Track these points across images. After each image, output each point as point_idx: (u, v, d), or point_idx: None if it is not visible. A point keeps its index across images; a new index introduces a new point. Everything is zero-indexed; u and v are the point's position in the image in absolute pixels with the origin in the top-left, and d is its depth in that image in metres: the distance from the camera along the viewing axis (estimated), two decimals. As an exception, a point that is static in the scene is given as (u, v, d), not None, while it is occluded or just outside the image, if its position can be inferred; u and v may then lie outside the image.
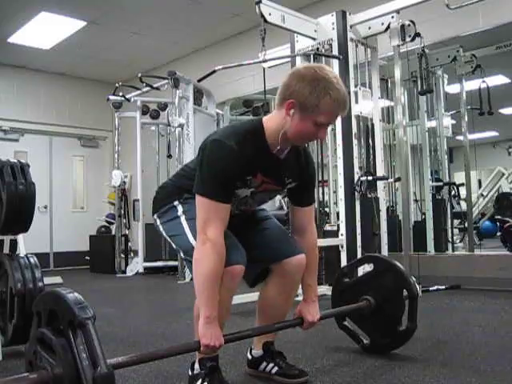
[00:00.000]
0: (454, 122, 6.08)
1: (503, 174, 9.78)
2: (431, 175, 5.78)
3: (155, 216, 2.02)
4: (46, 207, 8.44)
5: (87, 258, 7.99)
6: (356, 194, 4.20)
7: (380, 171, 4.41)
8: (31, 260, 2.58)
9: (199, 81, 4.62)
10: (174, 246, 1.96)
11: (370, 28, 4.36)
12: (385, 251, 4.31)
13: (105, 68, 8.37)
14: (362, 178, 4.20)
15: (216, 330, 1.68)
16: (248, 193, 1.85)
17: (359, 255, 4.04)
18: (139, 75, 6.37)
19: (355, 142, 4.27)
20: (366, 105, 4.37)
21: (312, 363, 2.27)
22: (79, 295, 1.37)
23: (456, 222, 6.21)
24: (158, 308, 4.34)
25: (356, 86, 4.34)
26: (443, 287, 4.41)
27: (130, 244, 7.65)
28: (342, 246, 4.14)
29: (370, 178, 4.22)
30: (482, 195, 9.36)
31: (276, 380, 2.03)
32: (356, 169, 4.26)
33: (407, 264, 4.09)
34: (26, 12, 6.17)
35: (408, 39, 4.17)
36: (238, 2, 5.98)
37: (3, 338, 2.51)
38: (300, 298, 2.06)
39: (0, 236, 2.81)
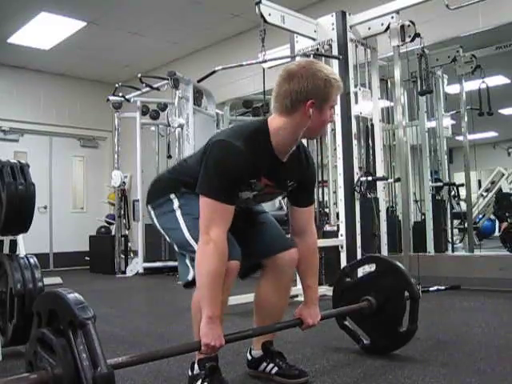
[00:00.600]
0: (453, 122, 6.08)
1: (503, 175, 9.78)
2: (431, 175, 5.78)
3: (149, 207, 2.01)
4: (45, 207, 8.44)
5: (87, 258, 7.98)
6: (356, 194, 4.20)
7: (380, 172, 4.42)
8: (31, 260, 2.58)
9: (199, 81, 4.62)
10: (167, 238, 1.96)
11: (369, 28, 4.36)
12: (384, 252, 4.31)
13: (105, 68, 8.38)
14: (361, 179, 4.21)
15: (218, 329, 1.68)
16: (250, 195, 1.85)
17: (359, 256, 4.04)
18: (139, 75, 6.36)
19: (355, 142, 4.27)
20: (366, 105, 4.37)
21: (312, 363, 2.27)
22: (79, 295, 1.37)
23: (456, 222, 6.21)
24: (157, 308, 4.34)
25: (356, 86, 4.34)
26: (443, 287, 4.41)
27: (129, 244, 7.66)
28: (342, 247, 4.14)
29: (369, 178, 4.22)
30: (482, 195, 9.37)
31: (276, 380, 2.02)
32: (356, 169, 4.26)
33: (407, 264, 4.09)
34: (25, 12, 6.18)
35: (408, 39, 4.18)
36: (238, 3, 5.98)
37: (3, 338, 2.51)
38: (299, 299, 2.06)
39: (0, 236, 2.81)
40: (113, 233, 7.74)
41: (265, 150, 1.79)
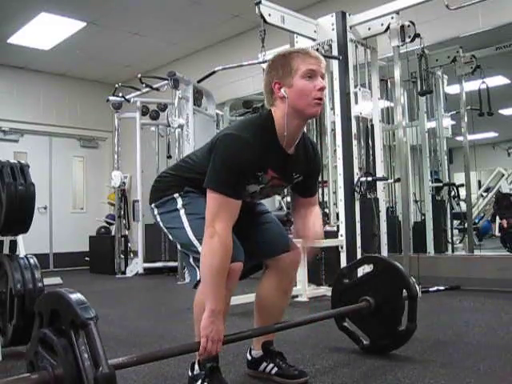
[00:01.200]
0: (453, 122, 6.08)
1: (503, 175, 9.79)
2: (431, 176, 5.78)
3: (153, 205, 2.00)
4: (45, 208, 8.44)
5: (87, 258, 7.99)
6: (356, 194, 4.21)
7: (380, 172, 4.42)
8: (31, 261, 2.58)
9: (199, 81, 4.63)
10: (170, 237, 1.96)
11: (369, 29, 4.36)
12: (384, 252, 4.32)
13: (104, 69, 8.38)
14: (361, 179, 4.21)
15: (219, 324, 1.67)
16: (257, 189, 1.86)
17: (359, 256, 4.04)
18: (139, 76, 6.36)
19: (355, 142, 4.28)
20: (366, 105, 4.37)
21: (312, 364, 2.27)
22: (81, 295, 1.37)
23: (456, 222, 6.21)
24: (157, 309, 4.34)
25: (356, 86, 4.34)
26: (443, 288, 4.42)
27: (129, 245, 7.66)
28: (342, 247, 4.14)
29: (369, 178, 4.23)
30: (482, 196, 9.37)
31: (276, 380, 2.03)
32: (356, 169, 4.26)
33: (407, 265, 4.09)
34: (25, 12, 6.17)
35: (408, 40, 4.18)
36: (238, 3, 5.98)
37: (3, 338, 2.51)
38: (300, 299, 2.06)
39: (0, 237, 2.81)
40: (113, 233, 7.74)
41: (271, 142, 1.80)
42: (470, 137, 5.91)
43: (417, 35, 4.17)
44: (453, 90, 6.18)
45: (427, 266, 4.44)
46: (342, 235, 4.18)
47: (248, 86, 6.82)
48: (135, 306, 4.62)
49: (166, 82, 6.36)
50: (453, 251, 5.65)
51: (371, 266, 2.51)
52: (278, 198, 6.22)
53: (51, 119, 8.58)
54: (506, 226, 7.05)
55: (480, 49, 5.53)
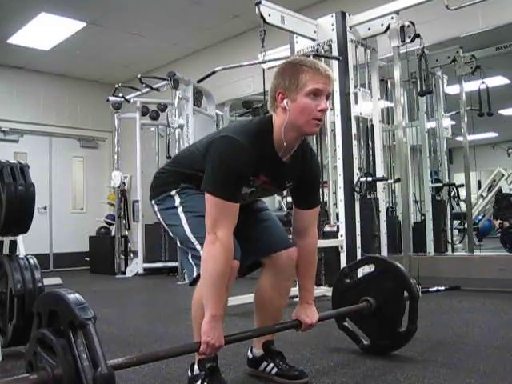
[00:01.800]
0: (453, 122, 6.08)
1: (503, 175, 9.79)
2: (431, 176, 5.77)
3: (153, 202, 2.02)
4: (45, 208, 8.44)
5: (87, 258, 7.99)
6: (356, 194, 4.21)
7: (380, 172, 4.42)
8: (31, 261, 2.58)
9: (199, 82, 4.63)
10: (170, 233, 1.98)
11: (369, 29, 4.36)
12: (384, 252, 4.31)
13: (104, 69, 8.38)
14: (361, 179, 4.21)
15: (219, 329, 1.68)
16: (248, 191, 1.86)
17: (359, 256, 4.04)
18: (139, 76, 6.37)
19: (355, 142, 4.27)
20: (366, 106, 4.37)
21: (312, 364, 2.27)
22: (80, 296, 1.37)
23: (456, 222, 6.21)
24: (157, 309, 4.34)
25: (356, 86, 4.34)
26: (443, 288, 4.42)
27: (129, 245, 7.65)
28: (342, 247, 4.14)
29: (369, 178, 4.22)
30: (482, 196, 9.37)
31: (276, 381, 2.02)
32: (356, 170, 4.26)
33: (407, 265, 4.09)
34: (25, 13, 6.17)
35: (408, 40, 4.18)
36: (238, 3, 5.98)
37: (3, 338, 2.51)
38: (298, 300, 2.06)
39: (0, 237, 2.81)
40: (113, 233, 7.74)
41: (267, 148, 1.79)
42: (470, 137, 5.92)
43: (417, 35, 4.16)
44: (453, 90, 6.18)
45: (427, 267, 4.44)
46: (341, 235, 4.18)
47: (248, 86, 6.82)
48: (135, 306, 4.62)
49: (166, 82, 6.36)
50: (453, 251, 5.64)
51: (371, 266, 2.51)
52: (277, 198, 6.22)
53: (51, 119, 8.58)
54: (497, 225, 7.09)
55: (480, 49, 5.53)
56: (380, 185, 4.40)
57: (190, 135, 6.23)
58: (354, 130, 4.26)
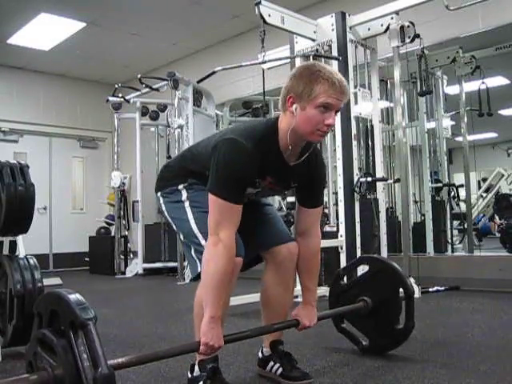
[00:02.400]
0: (453, 123, 6.08)
1: (502, 176, 9.78)
2: (431, 176, 5.78)
3: (158, 194, 2.03)
4: (45, 208, 8.43)
5: (87, 259, 7.98)
6: (355, 195, 4.20)
7: (379, 172, 4.42)
8: (31, 261, 2.58)
9: (199, 82, 4.62)
10: (174, 227, 1.98)
11: (369, 29, 4.36)
12: (384, 252, 4.31)
13: (104, 69, 8.38)
14: (361, 179, 4.21)
15: (218, 330, 1.68)
16: (253, 191, 1.86)
17: (359, 256, 4.04)
18: (139, 76, 6.37)
19: (355, 143, 4.27)
20: (366, 106, 4.37)
21: (311, 364, 2.27)
22: (81, 296, 1.37)
23: (455, 223, 6.21)
24: (157, 309, 4.34)
25: (355, 87, 4.34)
26: (443, 288, 4.42)
27: (129, 245, 7.65)
28: (342, 247, 4.13)
29: (369, 179, 4.22)
30: (482, 196, 9.37)
31: (280, 381, 2.02)
32: (355, 170, 4.26)
33: (407, 265, 4.09)
34: (25, 13, 6.18)
35: (407, 40, 4.17)
36: (238, 3, 5.99)
37: (3, 339, 2.51)
38: (299, 299, 2.06)
39: (0, 237, 2.81)
40: (112, 233, 7.74)
41: (273, 151, 1.80)
42: (470, 137, 5.91)
43: (416, 36, 4.16)
44: (452, 90, 6.17)
45: (427, 267, 4.44)
46: (341, 236, 4.17)
47: (248, 86, 6.82)
48: (135, 306, 4.62)
49: (166, 82, 6.36)
50: (452, 251, 5.64)
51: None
52: (278, 198, 6.22)
53: (51, 120, 8.58)
54: (496, 227, 7.10)
55: (480, 49, 5.53)
56: (380, 185, 4.40)
57: (189, 135, 6.23)
58: (353, 131, 4.26)
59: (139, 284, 6.39)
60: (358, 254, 4.10)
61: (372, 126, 4.47)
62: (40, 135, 8.56)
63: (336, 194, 4.42)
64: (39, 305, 1.47)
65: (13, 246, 2.82)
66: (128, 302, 4.81)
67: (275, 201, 6.44)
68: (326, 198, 4.88)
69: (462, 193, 6.02)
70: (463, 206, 6.18)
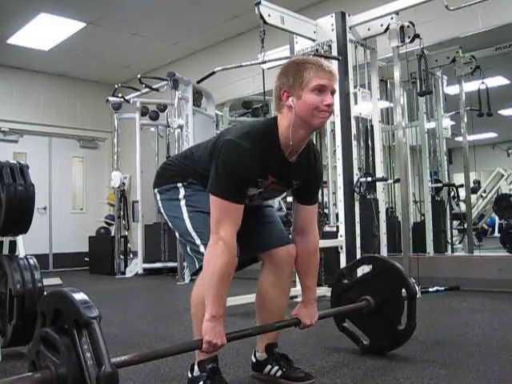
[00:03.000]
0: (453, 123, 6.08)
1: (502, 176, 9.78)
2: (430, 176, 5.78)
3: (156, 190, 2.04)
4: (45, 208, 8.43)
5: (86, 259, 7.98)
6: (355, 195, 4.20)
7: (379, 172, 4.42)
8: (30, 261, 2.58)
9: (198, 82, 4.62)
10: (170, 224, 2.00)
11: (369, 29, 4.36)
12: (384, 252, 4.31)
13: (104, 69, 8.38)
14: (361, 180, 4.21)
15: (220, 328, 1.69)
16: (256, 192, 1.87)
17: (358, 256, 4.04)
18: (138, 76, 6.36)
19: (354, 143, 4.27)
20: (366, 106, 4.37)
21: (311, 364, 2.27)
22: (85, 295, 1.37)
23: (455, 223, 6.21)
24: (157, 309, 4.34)
25: (355, 87, 4.34)
26: (442, 288, 4.42)
27: (129, 245, 7.65)
28: (342, 247, 4.14)
29: (369, 179, 4.22)
30: (482, 196, 9.37)
31: (281, 383, 2.01)
32: (355, 170, 4.26)
33: (406, 265, 4.09)
34: (25, 13, 6.18)
35: (407, 40, 4.17)
36: (238, 4, 5.99)
37: (2, 339, 2.51)
38: (299, 300, 2.06)
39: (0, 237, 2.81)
40: (112, 233, 7.74)
41: (273, 150, 1.80)
42: (470, 137, 5.91)
43: (416, 36, 4.16)
44: (452, 90, 6.18)
45: (427, 267, 4.44)
46: (341, 236, 4.18)
47: (248, 86, 6.82)
48: (135, 306, 4.62)
49: (166, 82, 6.37)
50: (452, 252, 5.65)
51: (370, 266, 2.51)
52: (278, 198, 6.22)
53: (51, 120, 8.58)
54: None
55: (480, 49, 5.53)
56: (380, 185, 4.40)
57: (189, 135, 6.24)
58: (353, 131, 4.26)
59: (139, 284, 6.39)
60: (358, 254, 4.10)
61: (372, 126, 4.47)
62: (40, 135, 8.56)
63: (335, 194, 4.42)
64: (43, 304, 1.47)
65: (13, 246, 2.83)
66: (128, 302, 4.81)
67: (275, 201, 6.45)
68: (326, 198, 4.89)
69: (462, 193, 6.02)
70: (463, 206, 6.18)
